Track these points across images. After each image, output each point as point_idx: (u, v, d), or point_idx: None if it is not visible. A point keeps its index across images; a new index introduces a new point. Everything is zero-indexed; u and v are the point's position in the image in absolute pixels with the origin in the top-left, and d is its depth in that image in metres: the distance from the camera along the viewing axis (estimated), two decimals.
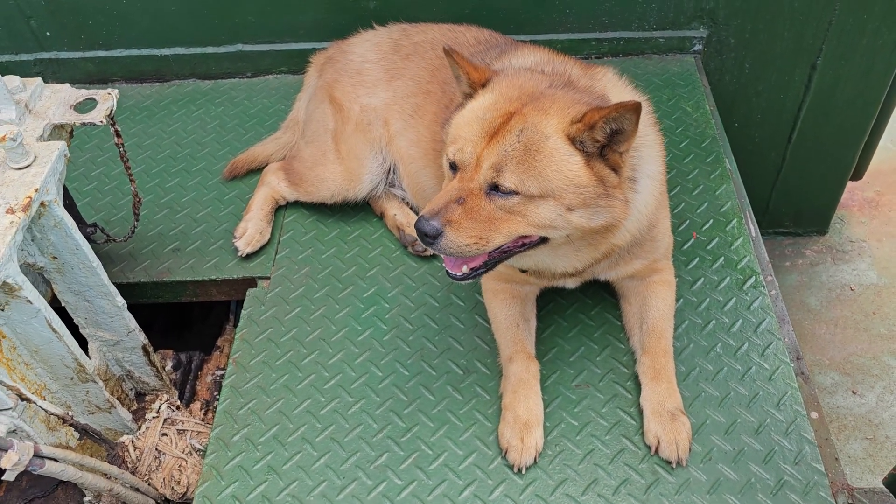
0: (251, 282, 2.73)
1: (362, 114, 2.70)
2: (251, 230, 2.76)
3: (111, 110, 2.32)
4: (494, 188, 1.91)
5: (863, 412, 3.57)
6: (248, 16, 3.36)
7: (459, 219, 1.89)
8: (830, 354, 3.82)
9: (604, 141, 1.90)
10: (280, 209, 2.93)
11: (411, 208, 2.81)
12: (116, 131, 2.40)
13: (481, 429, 2.26)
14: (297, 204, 2.93)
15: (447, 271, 2.04)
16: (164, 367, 2.75)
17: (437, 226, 1.87)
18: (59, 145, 2.16)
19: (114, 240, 2.72)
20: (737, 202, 2.81)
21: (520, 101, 1.96)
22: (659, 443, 2.14)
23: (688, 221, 2.76)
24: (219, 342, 3.06)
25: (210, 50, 3.47)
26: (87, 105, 2.34)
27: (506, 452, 2.17)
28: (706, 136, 3.07)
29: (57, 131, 2.33)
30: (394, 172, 2.78)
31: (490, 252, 1.99)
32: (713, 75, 3.50)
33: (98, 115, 2.28)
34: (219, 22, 3.38)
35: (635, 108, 1.81)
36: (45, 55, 3.47)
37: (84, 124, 2.28)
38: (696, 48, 3.42)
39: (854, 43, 3.36)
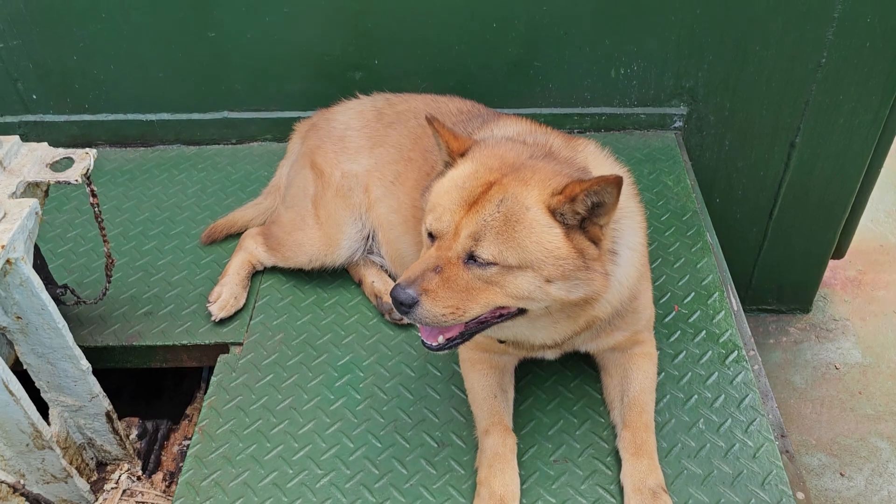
0: (223, 347, 2.66)
1: (343, 180, 2.70)
2: (226, 295, 2.71)
3: (87, 170, 2.30)
4: (472, 258, 1.88)
5: (851, 495, 3.47)
6: (236, 84, 3.39)
7: (436, 288, 1.85)
8: (817, 434, 3.75)
9: (584, 213, 1.88)
10: (257, 274, 2.89)
11: (390, 276, 2.78)
12: (92, 191, 2.38)
13: None
14: (274, 269, 2.89)
15: (423, 341, 1.99)
16: (128, 436, 2.65)
17: (412, 294, 1.83)
18: (31, 202, 2.13)
19: (84, 302, 2.66)
20: (718, 276, 2.80)
21: (500, 171, 1.95)
22: None
23: (669, 294, 2.73)
24: (188, 410, 2.97)
25: (196, 116, 3.49)
26: (63, 164, 2.32)
27: None
28: (687, 210, 3.08)
29: (31, 189, 2.30)
30: (373, 239, 2.75)
31: (467, 322, 1.94)
32: (694, 151, 3.54)
33: (73, 174, 2.26)
34: (206, 89, 3.40)
35: (616, 183, 1.80)
36: (31, 118, 3.48)
37: (59, 182, 2.25)
38: (676, 125, 3.47)
39: (831, 122, 3.42)
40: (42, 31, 3.23)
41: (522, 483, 2.18)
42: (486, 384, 2.32)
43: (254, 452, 2.32)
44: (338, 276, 2.86)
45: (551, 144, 2.13)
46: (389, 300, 2.65)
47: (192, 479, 2.26)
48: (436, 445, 2.32)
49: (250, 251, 2.83)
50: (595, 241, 1.93)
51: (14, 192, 2.20)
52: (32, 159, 2.32)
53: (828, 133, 3.46)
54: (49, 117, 3.49)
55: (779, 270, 4.04)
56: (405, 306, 1.84)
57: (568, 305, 1.97)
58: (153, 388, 3.24)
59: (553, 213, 1.88)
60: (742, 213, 3.80)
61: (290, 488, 2.23)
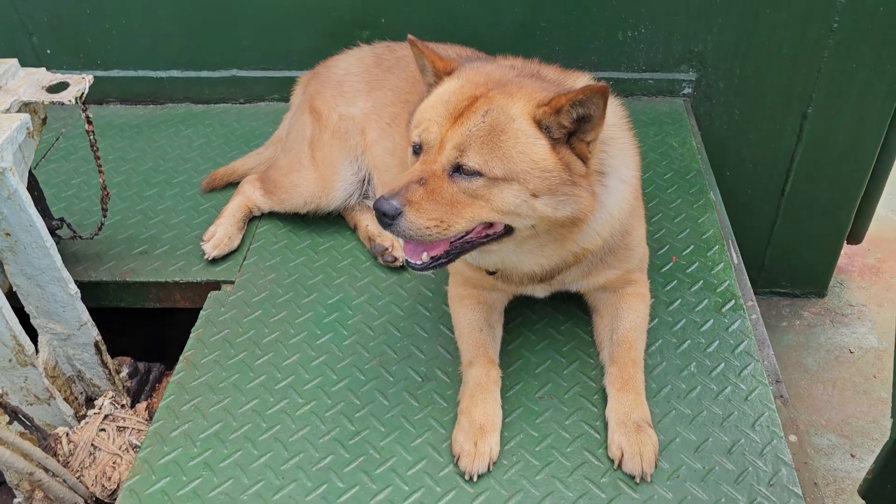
0: (215, 286, 2.66)
1: (340, 122, 2.69)
2: (220, 234, 2.71)
3: (82, 93, 2.32)
4: (458, 169, 1.85)
5: (861, 476, 3.34)
6: (244, 40, 3.42)
7: (420, 200, 1.82)
8: (828, 416, 3.63)
9: (570, 127, 1.85)
10: (254, 220, 2.88)
11: None
12: (87, 117, 2.39)
13: (435, 436, 2.12)
14: (271, 216, 2.89)
15: (406, 260, 1.96)
16: (118, 372, 2.65)
17: (396, 205, 1.80)
18: (22, 117, 2.15)
19: (80, 236, 2.67)
20: (719, 230, 2.73)
21: (486, 87, 1.93)
22: (622, 455, 1.99)
23: (668, 246, 2.68)
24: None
25: (205, 74, 3.52)
26: (60, 88, 2.34)
27: (458, 459, 2.02)
28: (691, 170, 3.02)
29: (27, 110, 2.32)
30: (368, 183, 2.74)
31: (452, 241, 1.91)
32: (703, 120, 3.48)
33: (67, 96, 2.28)
34: (214, 46, 3.44)
35: (602, 92, 1.77)
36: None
37: (53, 103, 2.28)
38: (685, 91, 3.42)
39: (844, 92, 3.34)
40: None
41: (505, 417, 2.12)
42: (472, 318, 2.28)
43: (236, 381, 2.30)
44: (333, 223, 2.85)
45: (540, 70, 2.11)
46: (383, 241, 2.64)
47: (173, 403, 2.24)
48: (420, 380, 2.28)
49: (247, 195, 2.83)
50: (582, 159, 1.89)
51: (8, 110, 2.23)
52: (29, 82, 2.35)
53: (841, 104, 3.38)
54: (61, 73, 3.53)
55: (792, 251, 3.94)
56: (388, 217, 1.80)
57: (555, 225, 1.93)
58: (157, 344, 3.25)
59: (539, 124, 1.85)
60: (753, 189, 3.72)
61: (270, 415, 2.20)
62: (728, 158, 3.61)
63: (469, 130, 1.84)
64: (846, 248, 4.38)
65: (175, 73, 3.53)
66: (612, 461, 2.01)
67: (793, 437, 2.09)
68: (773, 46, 3.26)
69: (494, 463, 2.03)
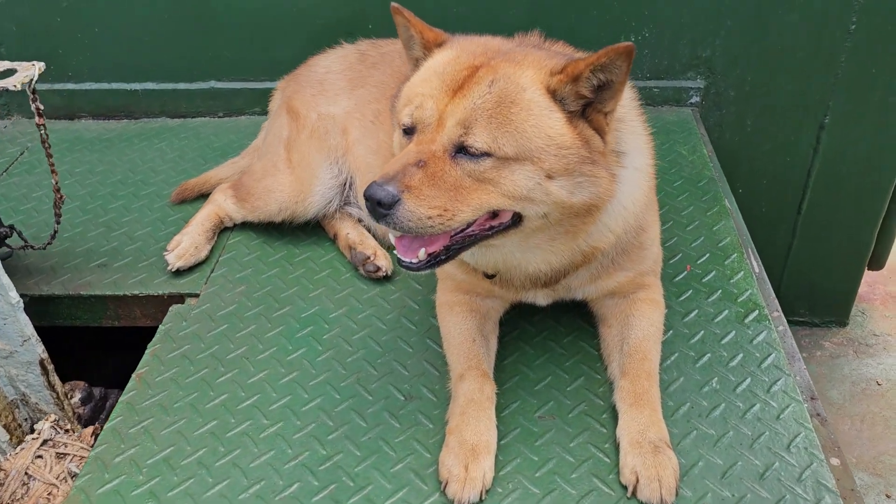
0: (178, 299, 2.39)
1: (319, 121, 2.47)
2: (186, 243, 2.45)
3: (31, 80, 2.11)
4: (461, 150, 1.60)
5: None
6: (224, 50, 3.24)
7: (420, 185, 1.56)
8: (858, 453, 3.31)
9: (589, 96, 1.62)
10: (225, 231, 2.64)
11: (367, 229, 2.51)
12: (38, 109, 2.17)
13: (418, 460, 1.83)
14: (244, 227, 2.64)
15: (400, 259, 1.68)
16: (69, 397, 2.37)
17: (392, 192, 1.53)
18: None
19: (31, 245, 2.43)
20: (737, 238, 2.48)
21: (485, 56, 1.70)
22: (638, 480, 1.69)
23: (680, 255, 2.42)
24: None
25: (182, 86, 3.33)
26: (7, 75, 2.12)
27: (445, 485, 1.72)
28: (703, 177, 2.78)
29: None
30: (350, 188, 2.50)
31: (453, 235, 1.65)
32: (713, 132, 3.26)
33: (14, 81, 2.06)
34: (192, 55, 3.25)
35: (628, 52, 1.54)
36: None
37: None
38: (693, 100, 3.21)
39: (863, 100, 3.13)
40: None
41: (500, 439, 1.83)
42: (464, 327, 2.00)
43: (193, 401, 2.02)
44: (311, 233, 2.60)
45: (542, 42, 1.89)
46: (364, 249, 2.39)
47: (119, 426, 1.95)
48: (402, 398, 1.99)
49: (218, 203, 2.59)
50: (600, 133, 1.65)
51: None
52: None
53: (860, 112, 3.17)
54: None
55: (811, 275, 3.68)
56: (384, 207, 1.53)
57: (569, 214, 1.68)
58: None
59: (553, 95, 1.61)
60: (768, 207, 3.48)
61: (230, 438, 1.91)
62: (740, 173, 3.37)
63: (473, 104, 1.59)
64: (867, 276, 4.10)
65: (150, 86, 3.34)
66: (626, 488, 1.72)
67: (835, 461, 1.79)
68: (787, 51, 3.06)
69: (488, 491, 1.73)
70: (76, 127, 3.33)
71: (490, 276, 1.95)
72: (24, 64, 2.14)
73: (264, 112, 3.28)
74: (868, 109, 3.15)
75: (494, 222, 1.68)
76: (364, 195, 1.56)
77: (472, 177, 1.59)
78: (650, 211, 1.99)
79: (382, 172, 1.59)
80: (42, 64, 2.15)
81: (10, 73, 2.12)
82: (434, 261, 1.67)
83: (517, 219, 1.68)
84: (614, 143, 1.72)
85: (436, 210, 1.56)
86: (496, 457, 1.79)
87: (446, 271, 2.07)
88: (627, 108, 1.87)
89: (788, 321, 3.84)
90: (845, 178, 3.34)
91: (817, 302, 3.79)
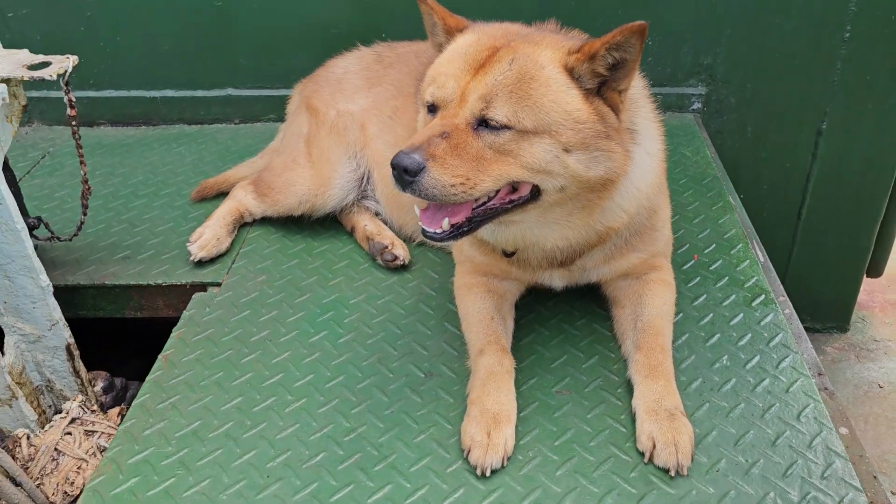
0: (201, 288, 2.46)
1: (338, 118, 2.56)
2: (208, 235, 2.53)
3: (66, 71, 2.20)
4: (483, 123, 1.69)
5: None
6: (241, 58, 3.34)
7: (444, 154, 1.65)
8: None
9: (604, 74, 1.72)
10: (245, 227, 2.71)
11: (384, 222, 2.59)
12: (70, 100, 2.26)
13: (440, 431, 1.88)
14: (263, 222, 2.72)
15: (424, 230, 1.76)
16: (92, 384, 2.41)
17: (418, 160, 1.62)
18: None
19: (57, 237, 2.50)
20: (742, 230, 2.56)
21: (505, 38, 1.80)
22: (654, 446, 1.75)
23: (688, 245, 2.50)
24: None
25: (200, 93, 3.42)
26: (42, 67, 2.22)
27: (468, 452, 1.78)
28: (707, 175, 2.88)
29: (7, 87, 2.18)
30: (367, 181, 2.58)
31: (475, 207, 1.74)
32: (715, 138, 3.36)
33: (48, 71, 2.15)
34: (210, 64, 3.35)
35: (641, 31, 1.64)
36: (34, 94, 3.43)
37: (33, 79, 2.15)
38: (695, 106, 3.31)
39: (860, 106, 3.24)
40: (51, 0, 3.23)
41: (519, 412, 1.89)
42: (482, 306, 2.07)
43: (219, 379, 2.07)
44: (329, 227, 2.68)
45: (559, 29, 1.99)
46: (382, 240, 2.46)
47: (147, 402, 2.01)
48: (422, 376, 2.05)
49: (239, 199, 2.67)
50: (615, 110, 1.75)
51: None
52: (10, 61, 2.22)
53: (858, 118, 3.28)
54: (53, 93, 3.44)
55: (811, 280, 3.75)
56: (410, 174, 1.62)
57: (585, 188, 1.77)
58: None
59: (570, 73, 1.71)
60: (769, 212, 3.57)
61: (256, 412, 1.96)
62: (742, 179, 3.46)
63: (495, 80, 1.69)
64: (866, 284, 4.19)
65: (169, 93, 3.43)
66: (643, 454, 1.77)
67: (843, 430, 1.85)
68: (785, 58, 3.18)
69: (509, 458, 1.78)
70: (96, 133, 3.41)
71: (509, 255, 2.03)
72: (59, 57, 2.24)
73: (280, 119, 3.38)
74: (864, 116, 3.26)
75: (514, 196, 1.76)
76: (391, 163, 1.65)
77: (493, 148, 1.68)
78: (661, 194, 2.08)
79: (408, 143, 1.67)
80: (75, 57, 2.24)
81: (45, 65, 2.21)
82: (457, 231, 1.75)
83: (535, 192, 1.76)
84: (628, 121, 1.81)
85: (459, 178, 1.65)
86: (516, 428, 1.85)
87: (465, 254, 2.14)
88: (639, 95, 1.97)
89: None
90: (843, 184, 3.44)
91: (819, 307, 3.86)
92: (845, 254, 3.67)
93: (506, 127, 1.67)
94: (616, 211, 1.91)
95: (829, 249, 3.65)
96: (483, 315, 2.05)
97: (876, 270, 3.92)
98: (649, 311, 2.03)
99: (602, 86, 1.73)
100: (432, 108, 1.78)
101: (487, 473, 1.74)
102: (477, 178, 1.66)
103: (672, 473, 1.72)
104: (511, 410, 1.85)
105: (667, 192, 2.17)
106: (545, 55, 1.72)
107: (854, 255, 3.68)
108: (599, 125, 1.71)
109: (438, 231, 1.73)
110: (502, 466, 1.77)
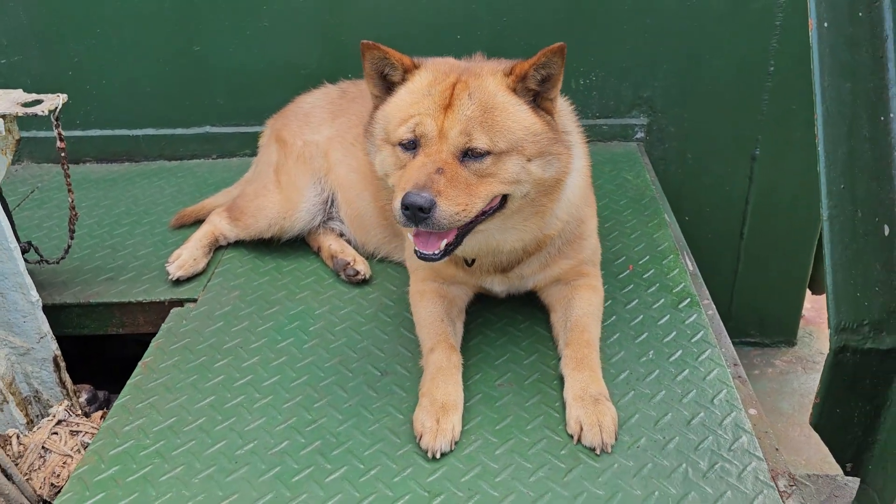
0: (178, 304, 2.67)
1: (304, 147, 2.81)
2: (185, 256, 2.75)
3: (57, 108, 2.43)
4: (467, 154, 1.94)
5: None
6: (218, 98, 3.60)
7: (445, 188, 1.88)
8: (806, 456, 3.57)
9: (536, 88, 1.99)
10: (220, 249, 2.93)
11: (347, 241, 2.82)
12: (59, 134, 2.49)
13: (393, 421, 2.09)
14: (237, 245, 2.94)
15: (421, 253, 1.97)
16: (77, 395, 2.60)
17: (429, 198, 1.84)
18: None
19: (46, 260, 2.71)
20: (674, 243, 2.81)
21: (455, 74, 2.04)
22: (581, 428, 1.97)
23: (624, 257, 2.74)
24: None
25: (179, 131, 3.68)
26: (35, 104, 2.45)
27: (420, 438, 1.98)
28: (646, 196, 3.14)
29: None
30: (332, 205, 2.82)
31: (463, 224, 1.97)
32: (658, 164, 3.64)
33: (42, 108, 2.39)
34: (189, 103, 3.61)
35: (561, 51, 1.92)
36: (24, 133, 3.63)
37: (26, 115, 2.38)
38: (638, 135, 3.60)
39: (788, 135, 3.53)
40: (41, 46, 3.50)
41: (465, 403, 2.10)
42: (433, 310, 2.30)
43: (194, 381, 2.28)
44: (298, 249, 2.90)
45: (485, 59, 2.25)
46: (345, 257, 2.69)
47: (128, 402, 2.21)
48: (378, 374, 2.27)
49: (214, 223, 2.90)
50: (550, 115, 2.03)
51: None
52: (6, 99, 2.46)
53: (787, 145, 3.56)
54: (42, 133, 3.69)
55: (757, 298, 4.01)
56: (424, 212, 1.83)
57: (541, 190, 2.04)
58: None
59: (514, 92, 1.98)
60: (713, 234, 3.83)
61: (227, 409, 2.16)
62: (685, 203, 3.73)
63: (466, 115, 1.94)
64: (813, 301, 4.46)
65: (150, 131, 3.69)
66: (572, 437, 1.98)
67: (752, 411, 2.08)
68: (717, 91, 3.48)
69: (456, 443, 1.99)
70: (82, 169, 3.65)
71: (469, 263, 2.27)
72: (50, 96, 2.47)
73: (254, 153, 3.61)
74: (793, 143, 3.55)
75: (487, 208, 2.00)
76: (404, 203, 1.84)
77: (478, 174, 1.94)
78: (588, 206, 2.33)
79: (411, 183, 1.87)
80: (65, 95, 2.48)
81: (37, 102, 2.45)
82: (450, 248, 1.98)
83: (503, 201, 2.02)
84: (562, 125, 2.09)
85: (460, 206, 1.89)
86: (462, 417, 2.06)
87: (417, 261, 2.37)
88: (567, 118, 2.23)
89: (740, 342, 4.20)
90: (779, 206, 3.71)
91: (766, 323, 4.11)
92: (787, 271, 3.93)
93: (487, 153, 1.93)
94: (553, 220, 2.16)
95: (771, 267, 3.90)
96: (434, 317, 2.27)
97: (820, 287, 4.17)
98: (577, 311, 2.26)
99: (536, 97, 2.00)
100: (408, 146, 2.00)
101: (438, 456, 1.94)
102: (470, 201, 1.91)
103: (598, 451, 1.93)
104: (458, 400, 2.06)
105: (594, 204, 2.42)
106: (491, 83, 1.99)
107: (795, 273, 3.93)
108: (550, 132, 2.00)
109: (437, 252, 1.96)
110: (451, 450, 1.97)
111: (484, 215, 2.01)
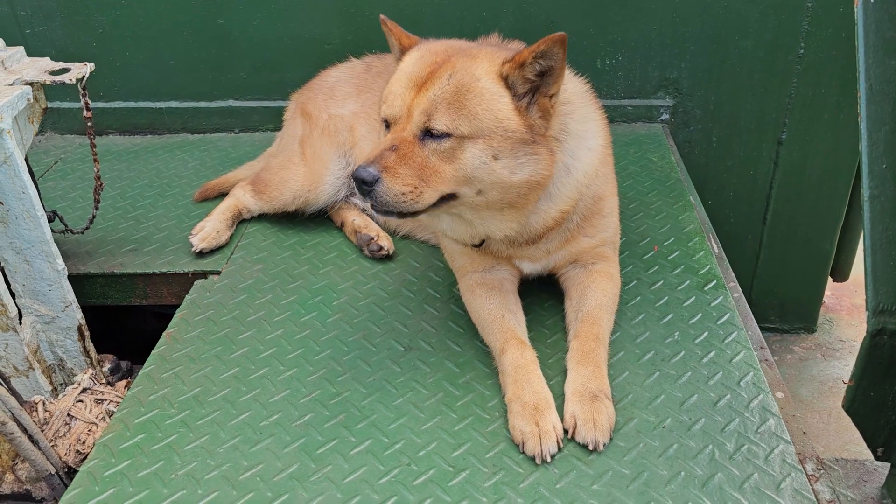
0: (202, 276, 2.67)
1: (330, 121, 2.80)
2: (208, 228, 2.75)
3: (84, 76, 2.43)
4: (427, 133, 1.91)
5: None
6: (241, 72, 3.59)
7: (394, 165, 1.87)
8: (826, 442, 3.55)
9: (534, 80, 1.93)
10: (243, 223, 2.93)
11: (370, 217, 2.81)
12: (87, 104, 2.49)
13: (417, 396, 2.09)
14: (260, 219, 2.95)
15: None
16: (101, 364, 2.62)
17: (373, 172, 1.85)
18: (24, 88, 2.25)
19: (71, 230, 2.71)
20: (699, 225, 2.79)
21: (446, 54, 2.01)
22: (576, 424, 1.91)
23: (649, 238, 2.72)
24: None
25: (202, 104, 3.67)
26: (62, 73, 2.45)
27: (523, 446, 1.89)
28: (671, 178, 3.11)
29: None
30: None
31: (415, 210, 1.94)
32: (683, 147, 3.60)
33: (69, 76, 2.38)
34: (213, 76, 3.60)
35: (561, 41, 1.85)
36: (49, 104, 3.66)
37: (54, 83, 2.38)
38: (663, 117, 3.56)
39: (816, 118, 3.49)
40: (66, 17, 3.49)
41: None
42: (490, 306, 2.23)
43: (218, 353, 2.28)
44: (321, 224, 2.90)
45: (501, 42, 2.22)
46: (368, 232, 2.68)
47: (153, 372, 2.22)
48: (403, 349, 2.26)
49: (238, 197, 2.90)
50: (545, 115, 1.97)
51: (11, 85, 2.32)
52: (34, 67, 2.46)
53: (814, 129, 3.52)
54: (66, 104, 3.69)
55: (778, 283, 3.98)
56: (367, 184, 1.85)
57: (509, 192, 1.97)
58: None
59: (505, 81, 1.93)
60: (736, 218, 3.80)
61: (251, 380, 2.17)
62: (709, 187, 3.71)
63: (434, 95, 1.91)
64: (833, 288, 4.43)
65: (174, 104, 3.68)
66: (566, 431, 1.92)
67: (779, 394, 2.06)
68: (745, 73, 3.43)
69: (562, 440, 1.91)
70: (104, 141, 3.65)
71: (478, 245, 2.25)
72: (77, 64, 2.47)
73: (277, 128, 3.62)
74: (821, 127, 3.50)
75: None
76: (352, 176, 1.87)
77: (436, 155, 1.90)
78: (607, 183, 2.28)
79: (365, 158, 1.90)
80: (92, 64, 2.48)
81: (65, 70, 2.44)
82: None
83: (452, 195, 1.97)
84: (560, 124, 2.03)
85: (408, 187, 1.87)
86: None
87: (458, 262, 2.35)
88: (578, 97, 2.18)
89: (760, 328, 4.14)
90: (804, 191, 3.68)
91: (786, 309, 4.08)
92: (809, 258, 3.89)
93: (446, 135, 1.89)
94: (562, 197, 2.11)
95: (793, 253, 3.87)
96: (494, 315, 2.21)
97: (841, 275, 4.14)
98: (591, 302, 2.22)
99: (535, 92, 1.94)
100: (387, 125, 2.00)
101: (548, 459, 1.85)
102: (422, 186, 1.89)
103: (591, 448, 1.88)
104: (548, 397, 1.98)
105: (614, 182, 2.37)
106: (481, 67, 1.94)
107: (817, 259, 3.90)
108: (527, 133, 1.92)
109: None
110: (559, 450, 1.88)
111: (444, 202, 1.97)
